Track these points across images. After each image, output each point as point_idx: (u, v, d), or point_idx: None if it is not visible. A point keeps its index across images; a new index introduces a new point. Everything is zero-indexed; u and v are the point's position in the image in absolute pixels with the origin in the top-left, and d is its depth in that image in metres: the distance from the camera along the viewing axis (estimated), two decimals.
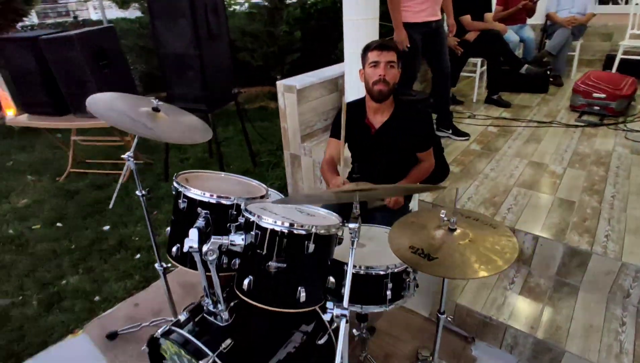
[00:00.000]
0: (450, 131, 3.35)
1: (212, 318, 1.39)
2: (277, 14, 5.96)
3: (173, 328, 1.37)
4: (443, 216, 1.18)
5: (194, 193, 1.38)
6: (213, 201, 1.38)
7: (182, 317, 1.41)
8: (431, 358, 1.57)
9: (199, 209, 1.36)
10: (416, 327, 2.08)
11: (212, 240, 1.22)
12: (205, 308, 1.40)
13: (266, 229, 1.19)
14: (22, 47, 3.43)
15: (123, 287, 2.49)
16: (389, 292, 1.38)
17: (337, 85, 3.18)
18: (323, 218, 1.35)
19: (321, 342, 1.48)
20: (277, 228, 1.18)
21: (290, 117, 3.00)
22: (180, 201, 1.41)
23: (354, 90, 2.78)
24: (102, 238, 2.98)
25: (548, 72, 4.43)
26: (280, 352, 1.40)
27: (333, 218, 1.33)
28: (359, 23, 2.66)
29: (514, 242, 1.14)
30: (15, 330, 2.20)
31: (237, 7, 6.59)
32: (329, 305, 0.95)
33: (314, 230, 1.16)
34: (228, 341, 1.29)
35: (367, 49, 1.76)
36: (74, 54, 3.27)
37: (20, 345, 2.10)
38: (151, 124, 1.47)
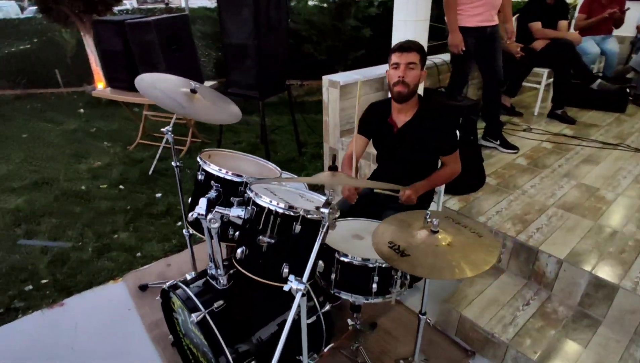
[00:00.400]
0: (498, 142, 3.21)
1: (213, 281, 1.55)
2: (345, 10, 6.05)
3: (179, 284, 1.55)
4: (427, 217, 1.20)
5: (211, 168, 1.55)
6: (227, 177, 1.53)
7: (188, 276, 1.59)
8: (411, 358, 1.59)
9: (212, 182, 1.52)
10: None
11: (215, 209, 1.36)
12: (208, 271, 1.57)
13: (260, 206, 1.31)
14: (110, 29, 3.91)
15: (161, 248, 2.78)
16: (374, 285, 1.43)
17: (383, 84, 3.20)
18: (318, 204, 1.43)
19: (308, 321, 1.57)
20: (271, 207, 1.29)
21: (332, 111, 3.09)
22: (199, 173, 1.58)
23: None
24: (153, 204, 3.33)
25: (628, 90, 4.00)
26: (269, 323, 1.52)
27: None
28: (408, 24, 2.67)
29: (495, 254, 1.13)
30: (71, 269, 2.58)
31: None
32: (290, 277, 1.04)
33: (301, 213, 1.25)
34: (221, 302, 1.44)
35: (391, 51, 1.79)
36: (150, 37, 3.66)
37: (72, 282, 2.47)
38: (185, 103, 1.65)
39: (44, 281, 2.48)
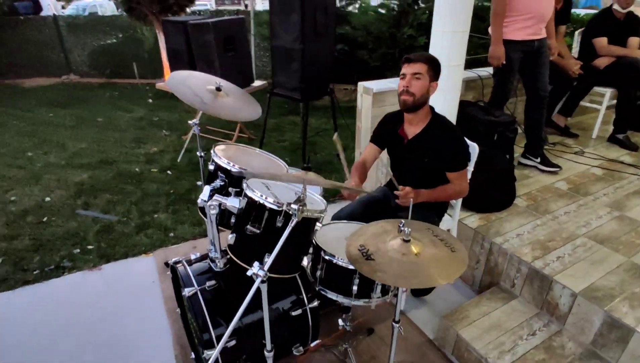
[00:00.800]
0: (539, 160, 3.04)
1: (212, 264, 1.69)
2: (404, 18, 6.01)
3: (184, 261, 1.72)
4: (401, 226, 1.22)
5: (220, 160, 1.69)
6: (233, 169, 1.66)
7: (193, 256, 1.75)
8: None
9: (219, 173, 1.66)
10: (414, 344, 2.06)
11: (214, 197, 1.50)
12: (209, 254, 1.71)
13: (251, 198, 1.41)
14: (176, 28, 4.30)
15: (192, 232, 3.02)
16: (355, 287, 1.47)
17: None
18: (310, 204, 1.51)
19: (294, 313, 1.65)
20: (259, 200, 1.39)
21: (365, 118, 3.13)
22: (210, 163, 1.73)
23: (431, 101, 2.78)
24: (193, 190, 3.61)
25: None
26: (256, 310, 1.62)
27: (315, 205, 1.47)
28: (445, 35, 2.62)
29: (459, 271, 1.12)
30: (113, 240, 2.90)
31: (371, 4, 6.78)
32: (255, 264, 1.12)
33: (284, 208, 1.34)
34: (213, 282, 1.58)
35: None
36: (208, 37, 3.97)
37: (112, 251, 2.78)
38: (207, 100, 1.82)
39: (90, 247, 2.82)
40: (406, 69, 1.76)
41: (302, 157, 4.05)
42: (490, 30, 2.86)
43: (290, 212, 1.19)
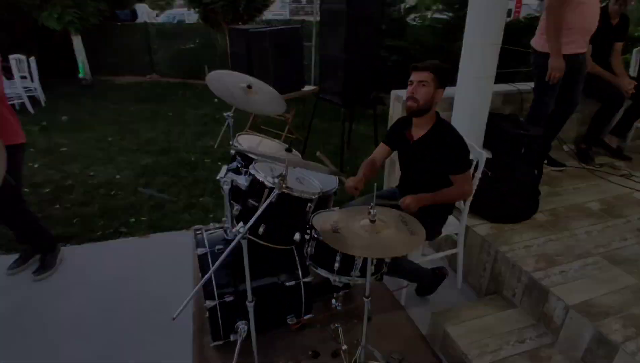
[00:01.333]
0: (546, 162, 3.09)
1: (225, 232, 1.98)
2: (459, 31, 5.98)
3: (203, 229, 2.02)
4: (369, 208, 1.39)
5: (239, 146, 1.98)
6: (249, 155, 1.94)
7: (211, 225, 2.05)
8: (361, 340, 1.73)
9: (237, 156, 1.95)
10: (406, 336, 2.16)
11: (228, 174, 1.78)
12: (224, 224, 2.00)
13: (254, 176, 1.67)
14: (239, 35, 4.79)
15: None
16: (337, 264, 1.65)
17: (451, 105, 3.23)
18: (307, 186, 1.73)
19: (288, 284, 1.87)
20: (260, 179, 1.65)
21: None
22: (231, 148, 2.03)
23: (459, 112, 2.87)
24: None
25: None
26: (254, 279, 1.87)
27: (309, 189, 1.69)
28: (476, 47, 2.70)
29: (408, 250, 1.26)
30: (163, 214, 3.36)
31: (428, 15, 6.81)
32: (240, 223, 1.36)
33: (275, 187, 1.57)
34: (222, 246, 1.86)
35: None
36: (265, 44, 4.38)
37: (160, 223, 3.23)
38: (237, 95, 2.12)
39: (143, 218, 3.30)
40: (414, 76, 1.91)
41: (340, 159, 4.26)
42: (535, 43, 2.84)
43: (272, 184, 1.42)
